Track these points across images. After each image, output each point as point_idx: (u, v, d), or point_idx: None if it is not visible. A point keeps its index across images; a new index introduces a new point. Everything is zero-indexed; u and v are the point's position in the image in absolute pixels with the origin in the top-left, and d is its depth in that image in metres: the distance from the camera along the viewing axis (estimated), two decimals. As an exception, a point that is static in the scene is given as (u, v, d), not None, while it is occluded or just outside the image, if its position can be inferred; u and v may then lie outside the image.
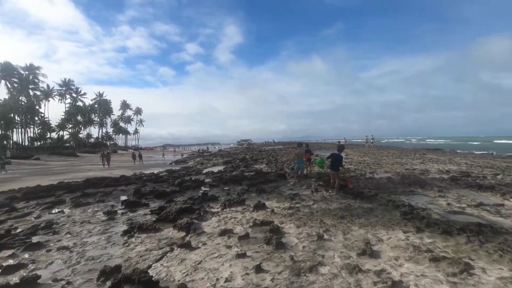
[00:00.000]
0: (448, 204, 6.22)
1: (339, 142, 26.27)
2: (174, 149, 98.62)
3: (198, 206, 6.98)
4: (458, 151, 31.14)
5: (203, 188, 10.12)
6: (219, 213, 6.27)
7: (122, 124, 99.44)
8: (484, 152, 28.34)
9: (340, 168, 7.98)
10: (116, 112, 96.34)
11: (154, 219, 6.06)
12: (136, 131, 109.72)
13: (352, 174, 11.66)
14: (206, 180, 11.96)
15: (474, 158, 20.81)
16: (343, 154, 8.32)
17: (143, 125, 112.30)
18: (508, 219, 5.13)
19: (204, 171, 16.49)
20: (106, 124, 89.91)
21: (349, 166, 14.64)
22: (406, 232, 4.49)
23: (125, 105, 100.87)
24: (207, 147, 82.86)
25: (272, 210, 6.11)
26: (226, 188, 9.87)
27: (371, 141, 38.04)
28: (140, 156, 31.77)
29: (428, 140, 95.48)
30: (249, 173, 13.51)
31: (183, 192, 9.53)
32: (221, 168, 18.01)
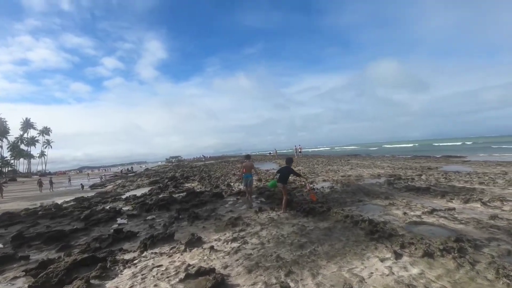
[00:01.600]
0: (404, 213, 5.71)
1: (270, 153, 26.13)
2: (88, 172, 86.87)
3: (105, 252, 4.99)
4: (377, 155, 34.56)
5: (119, 220, 7.94)
6: (136, 261, 4.44)
7: (23, 146, 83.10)
8: (396, 155, 32.01)
9: (291, 176, 7.09)
10: (16, 132, 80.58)
11: (26, 286, 3.90)
12: (42, 154, 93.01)
13: (293, 185, 10.90)
14: (125, 208, 9.64)
15: (390, 161, 22.92)
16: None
17: (51, 147, 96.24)
18: (469, 226, 4.75)
19: (125, 196, 13.80)
20: (2, 147, 73.89)
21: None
22: (383, 260, 3.57)
23: (27, 125, 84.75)
24: (131, 167, 75.47)
25: (211, 247, 4.59)
26: (149, 217, 7.88)
27: (299, 150, 39.31)
28: (51, 183, 27.80)
29: (336, 148, 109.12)
30: (180, 195, 11.59)
31: (89, 229, 7.18)
32: (146, 190, 15.44)
